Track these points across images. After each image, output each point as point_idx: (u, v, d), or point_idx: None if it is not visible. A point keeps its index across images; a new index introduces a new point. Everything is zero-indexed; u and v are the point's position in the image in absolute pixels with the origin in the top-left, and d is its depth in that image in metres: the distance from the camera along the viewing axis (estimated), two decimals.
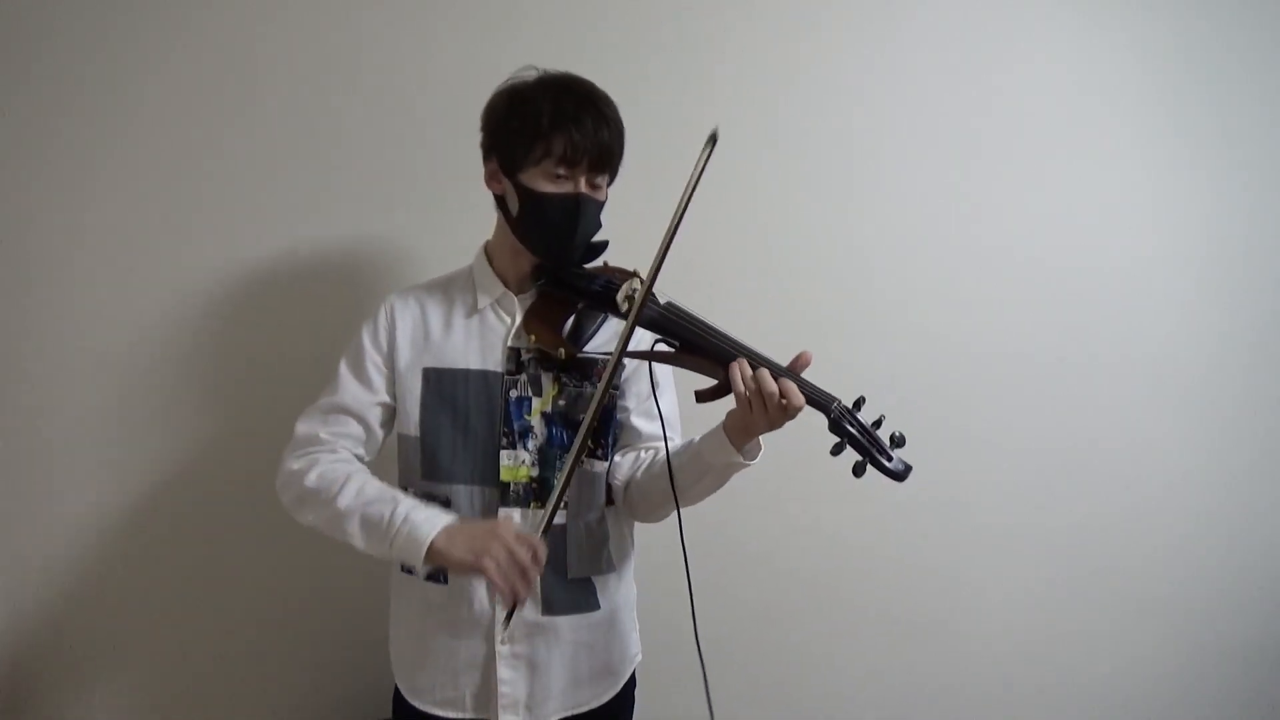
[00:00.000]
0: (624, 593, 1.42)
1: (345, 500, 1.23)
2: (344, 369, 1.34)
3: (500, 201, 1.33)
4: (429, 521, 1.19)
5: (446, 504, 1.29)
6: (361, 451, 1.34)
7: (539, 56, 1.35)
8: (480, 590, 1.30)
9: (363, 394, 1.32)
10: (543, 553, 1.17)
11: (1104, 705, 2.12)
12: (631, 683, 1.45)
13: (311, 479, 1.26)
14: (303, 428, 1.32)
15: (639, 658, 1.47)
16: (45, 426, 1.66)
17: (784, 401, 1.15)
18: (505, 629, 1.27)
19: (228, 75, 1.68)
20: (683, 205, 1.18)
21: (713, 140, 1.18)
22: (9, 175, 1.63)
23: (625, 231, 1.36)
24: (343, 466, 1.28)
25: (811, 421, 1.23)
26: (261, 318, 1.71)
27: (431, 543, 1.17)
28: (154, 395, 1.68)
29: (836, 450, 1.20)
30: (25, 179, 1.63)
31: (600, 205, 1.31)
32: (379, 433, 1.35)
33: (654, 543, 1.45)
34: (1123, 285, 2.05)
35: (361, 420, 1.32)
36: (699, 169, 1.17)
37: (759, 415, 1.17)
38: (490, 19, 1.74)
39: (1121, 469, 2.08)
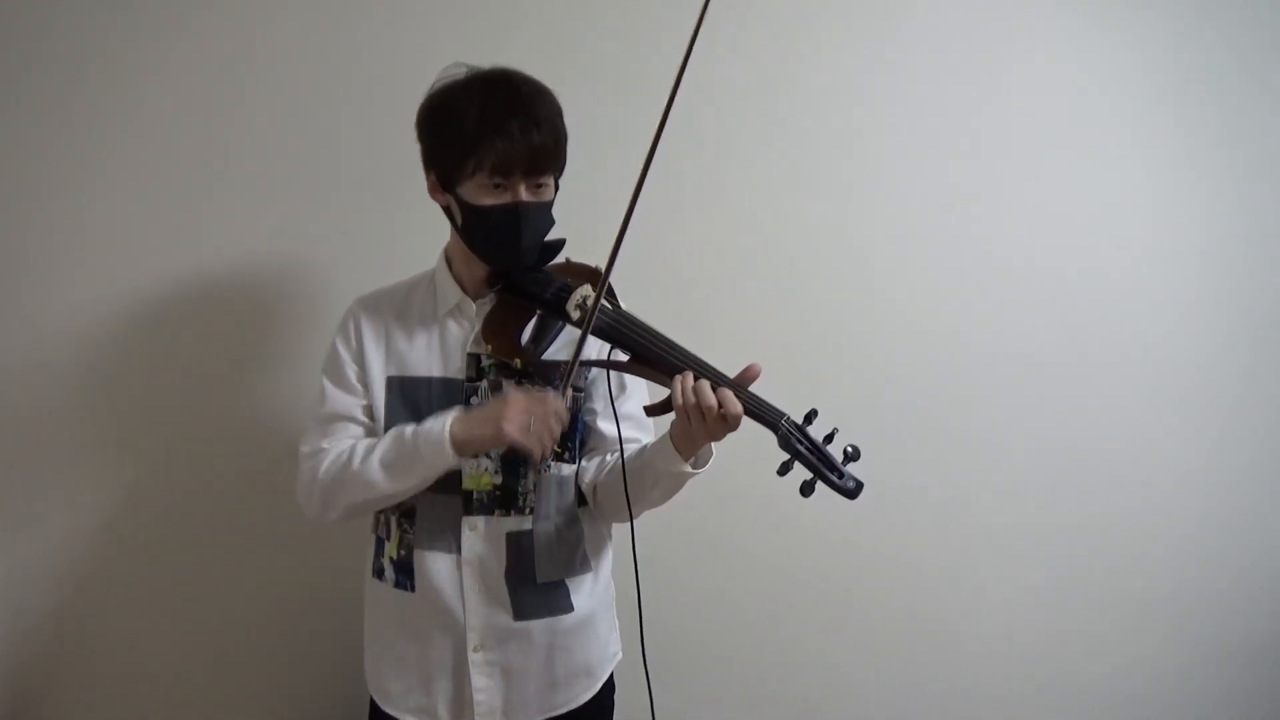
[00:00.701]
0: (600, 593, 1.40)
1: (357, 460, 1.26)
2: (326, 381, 1.35)
3: (447, 212, 1.32)
4: (438, 422, 1.22)
5: (411, 513, 1.32)
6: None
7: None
8: (448, 595, 1.30)
9: (349, 399, 1.33)
10: (560, 405, 1.18)
11: (1104, 705, 2.11)
12: (610, 682, 1.44)
13: (323, 471, 1.28)
14: (306, 447, 1.33)
15: (619, 656, 1.46)
16: (36, 427, 1.66)
17: (723, 413, 1.14)
18: (540, 472, 1.30)
19: (229, 75, 1.68)
20: (650, 153, 1.14)
21: (705, 5, 1.13)
22: (9, 175, 1.63)
23: (591, 226, 1.34)
24: (343, 448, 1.30)
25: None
26: (255, 318, 1.71)
27: (451, 437, 1.20)
28: (141, 397, 1.68)
29: (784, 469, 1.18)
30: (18, 179, 1.63)
31: (546, 206, 1.28)
32: (374, 428, 1.35)
33: (639, 543, 1.44)
34: (1122, 285, 2.05)
35: (357, 421, 1.33)
36: (694, 33, 1.13)
37: (698, 427, 1.16)
38: (485, 18, 1.74)
39: (1121, 469, 2.08)
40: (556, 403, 1.18)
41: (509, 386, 1.30)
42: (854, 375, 1.92)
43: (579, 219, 1.35)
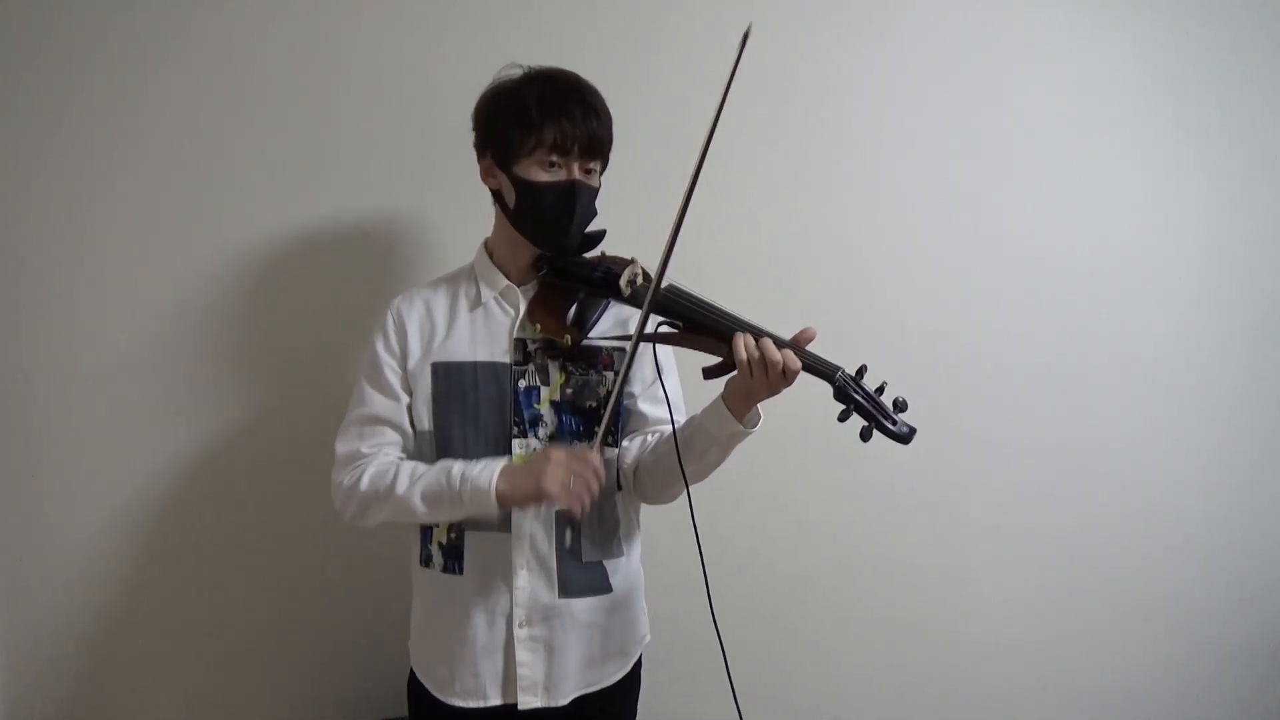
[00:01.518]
0: (634, 575, 1.46)
1: (402, 486, 1.28)
2: (364, 382, 1.37)
3: (497, 196, 1.37)
4: (486, 470, 1.25)
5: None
6: (402, 454, 1.38)
7: (542, 54, 1.37)
8: (497, 574, 1.34)
9: (388, 402, 1.36)
10: (598, 462, 1.23)
11: (1104, 705, 2.12)
12: (639, 663, 1.49)
13: (365, 484, 1.31)
14: (343, 447, 1.36)
15: (648, 638, 1.51)
16: (48, 427, 1.67)
17: (782, 368, 1.19)
18: (567, 541, 1.35)
19: (229, 74, 1.68)
20: (706, 145, 1.18)
21: (745, 39, 1.19)
22: (9, 175, 1.63)
23: (628, 223, 1.38)
24: (388, 462, 1.33)
25: (812, 416, 1.23)
26: (267, 315, 1.71)
27: (495, 490, 1.23)
28: (157, 394, 1.69)
29: (843, 417, 1.23)
30: (25, 179, 1.63)
31: (595, 191, 1.35)
32: (410, 432, 1.38)
33: (660, 529, 1.46)
34: (1123, 285, 2.05)
35: (396, 426, 1.36)
36: (733, 71, 1.19)
37: (759, 382, 1.21)
38: (493, 18, 1.75)
39: (1121, 469, 2.08)
40: (595, 460, 1.23)
41: (554, 369, 1.35)
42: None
43: (622, 222, 1.40)
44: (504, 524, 1.34)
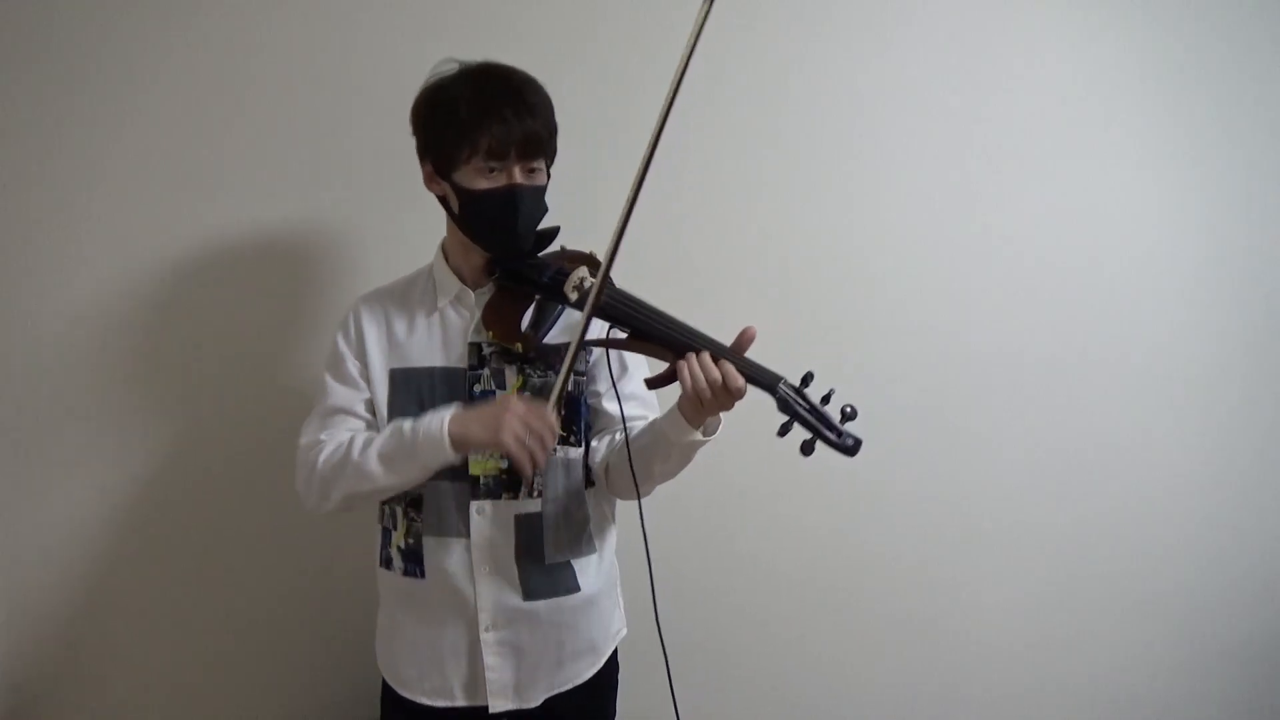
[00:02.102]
0: (606, 572, 1.44)
1: (356, 452, 1.28)
2: (328, 377, 1.38)
3: (443, 202, 1.35)
4: (436, 418, 1.24)
5: (418, 501, 1.34)
6: None
7: (486, 44, 1.35)
8: (459, 579, 1.33)
9: (350, 393, 1.36)
10: (554, 421, 1.21)
11: (1104, 705, 2.12)
12: (614, 658, 1.48)
13: (321, 462, 1.30)
14: (304, 439, 1.36)
15: (623, 633, 1.49)
16: (33, 424, 1.66)
17: (726, 385, 1.18)
18: (529, 491, 1.33)
19: (214, 76, 1.68)
20: (647, 157, 1.15)
21: (709, 4, 1.14)
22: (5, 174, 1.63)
23: (590, 218, 1.36)
24: (342, 439, 1.32)
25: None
26: (232, 315, 1.71)
27: (449, 434, 1.22)
28: (136, 396, 1.68)
29: (784, 430, 1.20)
30: (17, 176, 1.63)
31: (540, 190, 1.32)
32: (374, 422, 1.37)
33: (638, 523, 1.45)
34: (1123, 285, 2.05)
35: (356, 415, 1.36)
36: (696, 30, 1.13)
37: (708, 403, 1.19)
38: (485, 14, 1.74)
39: (1121, 469, 2.08)
40: (551, 418, 1.20)
41: (511, 373, 1.33)
42: (854, 375, 1.89)
43: (579, 212, 1.38)
44: (462, 530, 1.32)
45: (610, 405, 1.39)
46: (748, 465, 1.85)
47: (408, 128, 1.34)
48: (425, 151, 1.33)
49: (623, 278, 1.30)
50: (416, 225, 1.50)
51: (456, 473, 1.31)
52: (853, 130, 1.92)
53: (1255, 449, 2.13)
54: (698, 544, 1.88)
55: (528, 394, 1.32)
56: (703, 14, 1.14)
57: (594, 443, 1.41)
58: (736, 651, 1.95)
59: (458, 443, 1.23)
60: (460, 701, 1.35)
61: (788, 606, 1.97)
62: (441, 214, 1.38)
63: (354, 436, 1.31)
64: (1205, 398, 2.10)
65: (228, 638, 1.75)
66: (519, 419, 1.19)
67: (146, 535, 1.71)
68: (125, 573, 1.71)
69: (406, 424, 1.26)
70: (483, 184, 1.27)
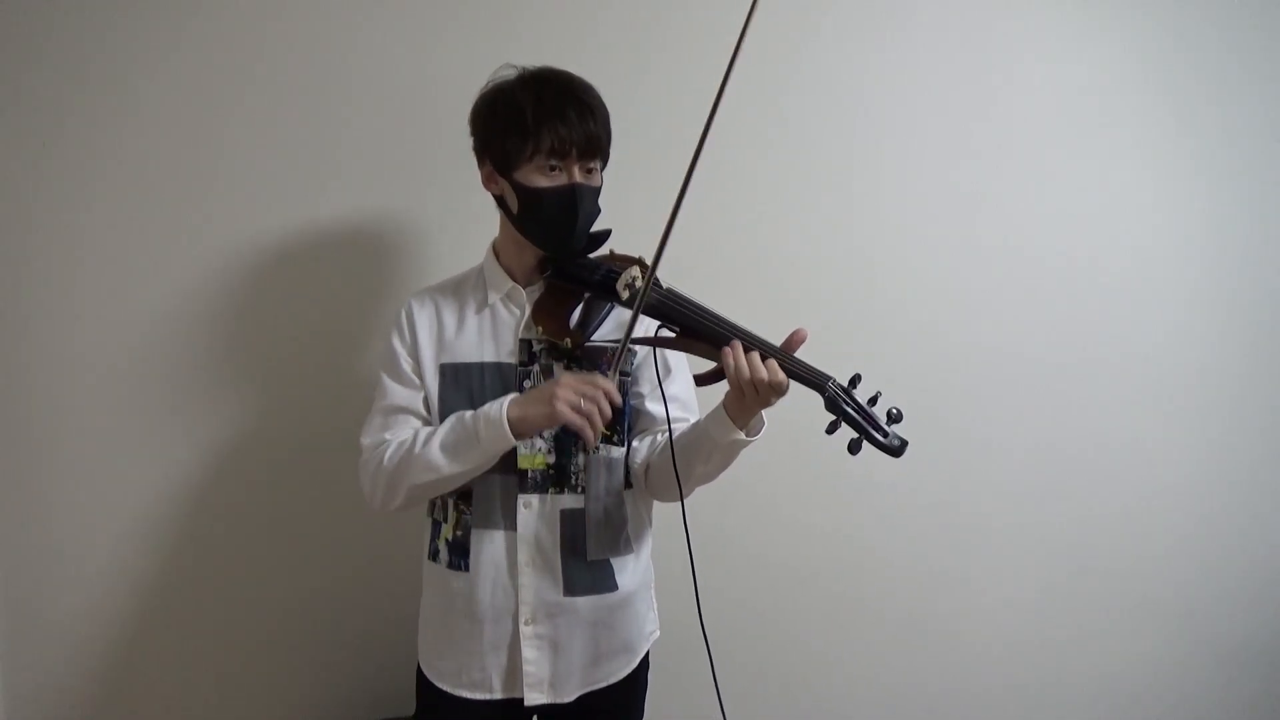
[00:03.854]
0: (641, 573, 1.46)
1: (419, 445, 1.31)
2: (385, 377, 1.40)
3: (500, 201, 1.38)
4: (496, 404, 1.27)
5: (468, 495, 1.37)
6: None
7: (543, 53, 1.37)
8: (503, 571, 1.35)
9: (408, 392, 1.38)
10: (609, 385, 1.23)
11: (1104, 705, 2.12)
12: (646, 660, 1.49)
13: (387, 459, 1.33)
14: (367, 439, 1.39)
15: (656, 634, 1.51)
16: (50, 427, 1.67)
17: (771, 382, 1.19)
18: (590, 454, 1.36)
19: (233, 76, 1.68)
20: (704, 133, 1.18)
21: (754, 4, 1.19)
22: (9, 175, 1.63)
23: (630, 223, 1.39)
24: (405, 436, 1.35)
25: (813, 422, 1.23)
26: (274, 315, 1.72)
27: (508, 420, 1.25)
28: (162, 395, 1.69)
29: (832, 428, 1.22)
30: (25, 178, 1.63)
31: (596, 191, 1.35)
32: (431, 419, 1.40)
33: (672, 527, 1.45)
34: (1123, 285, 2.05)
35: (415, 413, 1.38)
36: (740, 40, 1.19)
37: (750, 396, 1.21)
38: (491, 15, 1.75)
39: (1121, 469, 2.08)
40: (606, 383, 1.23)
41: (559, 370, 1.35)
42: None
43: (628, 218, 1.40)
44: (509, 523, 1.35)
45: (653, 406, 1.42)
46: (750, 467, 1.85)
47: (462, 129, 1.36)
48: (485, 150, 1.35)
49: (672, 279, 1.32)
50: (468, 226, 1.52)
51: (505, 467, 1.34)
52: (849, 129, 1.92)
53: (1254, 449, 2.13)
54: (698, 542, 1.87)
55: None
56: (745, 25, 1.20)
57: (635, 443, 1.43)
58: (735, 651, 1.95)
59: (517, 425, 1.25)
60: (498, 694, 1.37)
61: (788, 606, 1.97)
62: (493, 215, 1.41)
63: (416, 433, 1.34)
64: (1205, 398, 2.10)
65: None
66: (571, 388, 1.22)
67: (175, 536, 1.72)
68: (154, 574, 1.72)
69: (467, 414, 1.30)
70: (543, 182, 1.30)
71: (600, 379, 1.24)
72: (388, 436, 1.36)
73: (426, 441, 1.30)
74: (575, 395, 1.21)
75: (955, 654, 2.05)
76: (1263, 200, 2.09)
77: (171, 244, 1.68)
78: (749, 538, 1.93)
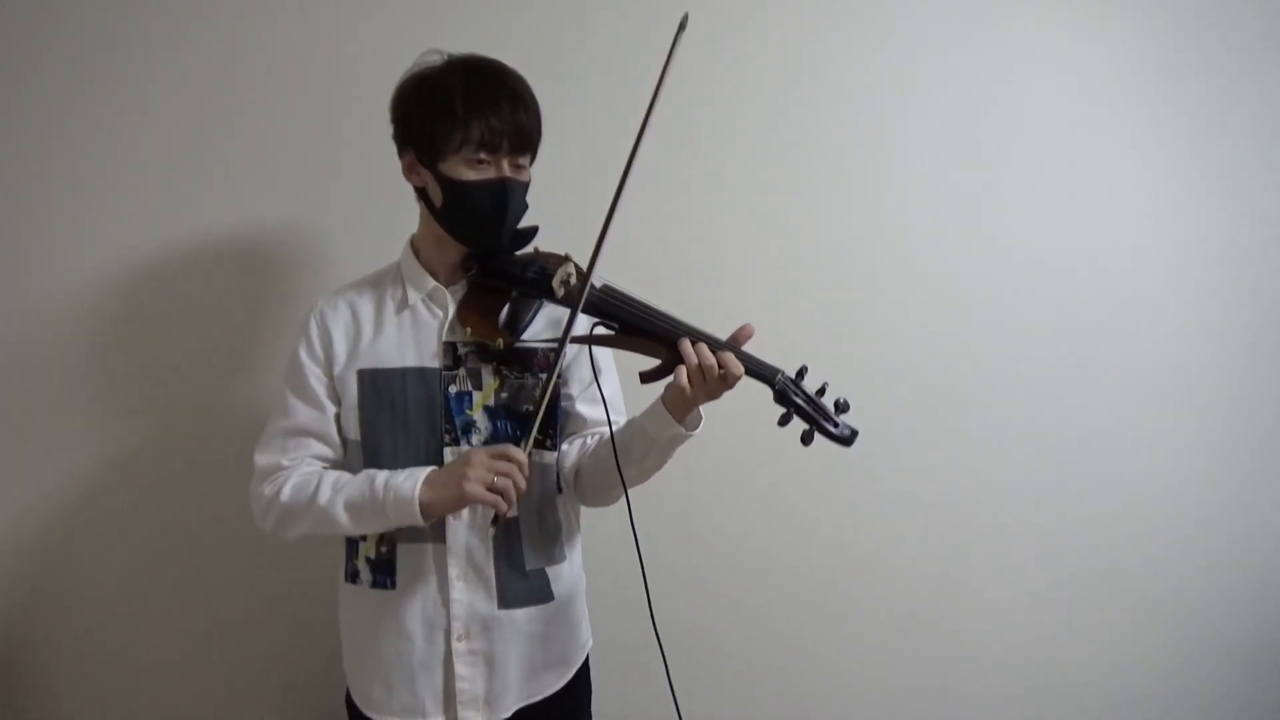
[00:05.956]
0: (574, 581, 1.42)
1: (324, 496, 1.24)
2: (288, 392, 1.32)
3: (422, 193, 1.31)
4: (410, 479, 1.21)
5: None
6: (325, 465, 1.34)
7: (468, 39, 1.34)
8: (432, 586, 1.30)
9: (312, 412, 1.31)
10: (521, 457, 1.17)
11: (1104, 705, 2.11)
12: (585, 668, 1.45)
13: (286, 494, 1.26)
14: (263, 459, 1.31)
15: (590, 644, 1.47)
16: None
17: (723, 373, 1.17)
18: (493, 532, 1.29)
19: (208, 77, 1.68)
20: (633, 152, 1.16)
21: (682, 26, 1.16)
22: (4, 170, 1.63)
23: (564, 218, 1.35)
24: (310, 473, 1.28)
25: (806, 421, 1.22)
26: (240, 313, 1.71)
27: (419, 499, 1.19)
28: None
29: (783, 421, 1.21)
30: (20, 174, 1.64)
31: (525, 186, 1.29)
32: (339, 442, 1.34)
33: (605, 531, 1.44)
34: (1123, 285, 2.05)
35: (321, 437, 1.32)
36: (668, 60, 1.15)
37: (699, 388, 1.18)
38: (476, 12, 1.74)
39: (1121, 469, 2.07)
40: (518, 454, 1.18)
41: (488, 373, 1.30)
42: (855, 375, 1.90)
43: (555, 214, 1.36)
44: (438, 535, 1.29)
45: (582, 408, 1.37)
46: (745, 465, 1.85)
47: (370, 124, 1.29)
48: (407, 140, 1.28)
49: (612, 275, 1.29)
50: (378, 221, 1.46)
51: None
52: (850, 129, 1.92)
53: (1254, 449, 2.13)
54: (692, 540, 1.88)
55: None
56: (675, 38, 1.17)
57: (564, 446, 1.37)
58: (735, 651, 1.95)
59: (427, 508, 1.20)
60: (432, 716, 1.31)
61: (786, 606, 1.97)
62: (401, 209, 1.34)
63: (322, 476, 1.26)
64: (1204, 398, 2.10)
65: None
66: (483, 466, 1.16)
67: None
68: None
69: (380, 479, 1.22)
70: (471, 175, 1.23)
71: (513, 450, 1.18)
72: (285, 462, 1.28)
73: (332, 495, 1.23)
74: (487, 473, 1.16)
75: (955, 653, 2.04)
76: (1263, 200, 2.09)
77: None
78: (742, 537, 1.92)
